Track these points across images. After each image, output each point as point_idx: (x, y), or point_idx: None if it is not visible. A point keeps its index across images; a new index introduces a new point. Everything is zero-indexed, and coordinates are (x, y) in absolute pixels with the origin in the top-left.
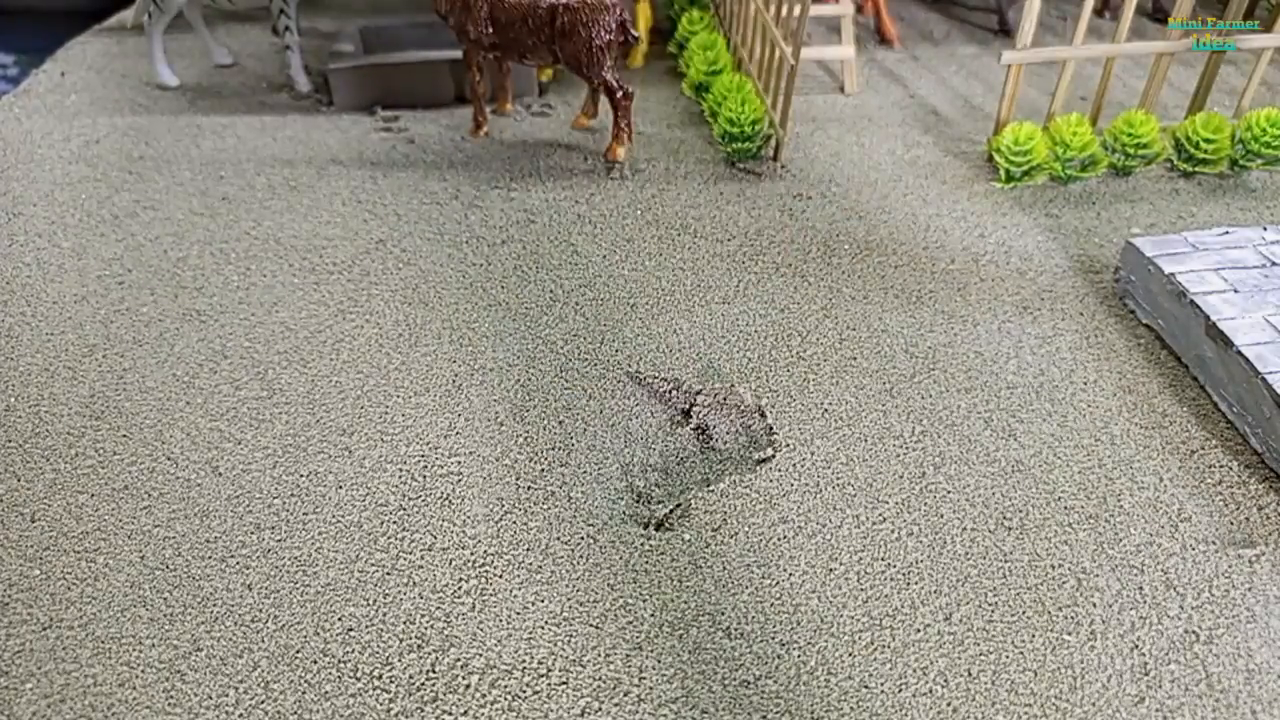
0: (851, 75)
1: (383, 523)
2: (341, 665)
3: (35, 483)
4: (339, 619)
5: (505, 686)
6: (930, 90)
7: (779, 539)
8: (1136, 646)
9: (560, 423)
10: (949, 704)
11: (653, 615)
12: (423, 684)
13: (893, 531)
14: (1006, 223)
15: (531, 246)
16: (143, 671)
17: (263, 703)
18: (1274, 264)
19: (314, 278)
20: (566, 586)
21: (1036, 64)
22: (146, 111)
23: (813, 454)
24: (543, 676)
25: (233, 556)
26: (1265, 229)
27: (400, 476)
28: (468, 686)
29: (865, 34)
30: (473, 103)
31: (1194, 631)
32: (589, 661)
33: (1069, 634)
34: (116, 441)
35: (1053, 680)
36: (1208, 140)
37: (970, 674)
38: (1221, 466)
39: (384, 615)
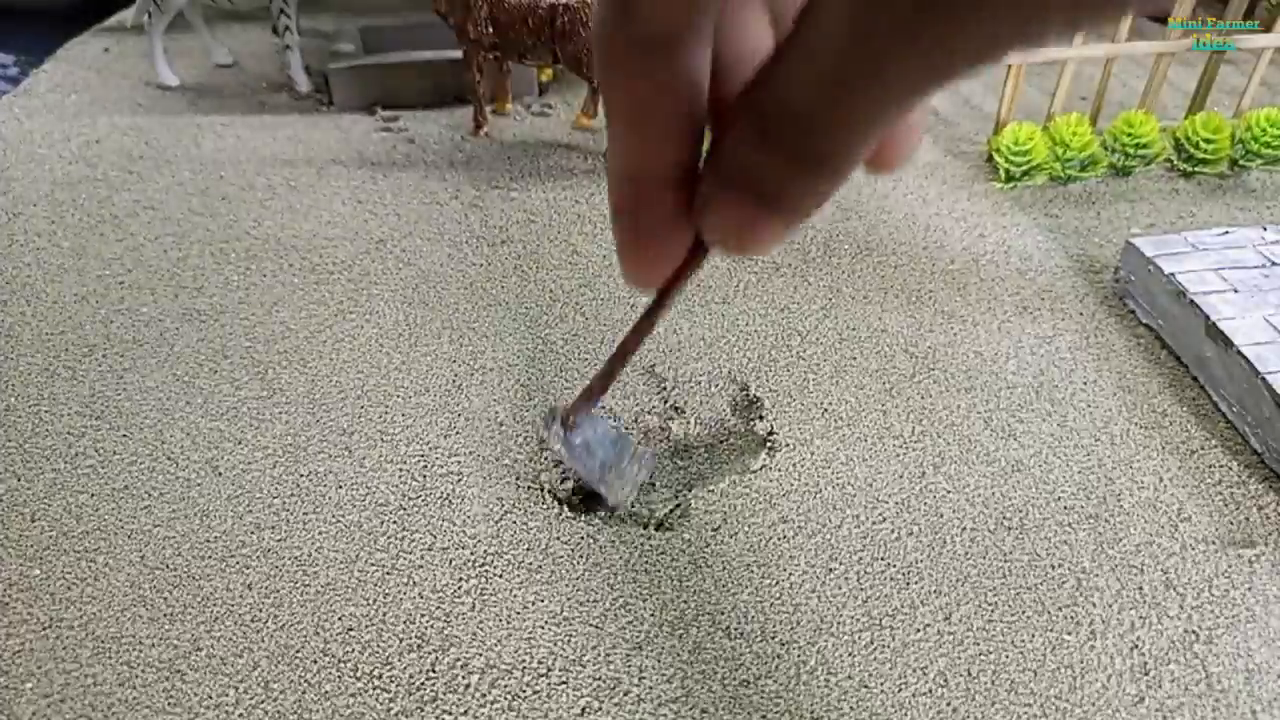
0: None
1: (383, 523)
2: (341, 665)
3: (35, 483)
4: (339, 619)
5: (505, 686)
6: None
7: (779, 539)
8: (1136, 646)
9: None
10: (949, 703)
11: (653, 615)
12: (423, 684)
13: (892, 531)
14: (1006, 223)
15: (531, 246)
16: (143, 671)
17: (263, 702)
18: (1274, 264)
19: (314, 278)
20: (566, 586)
21: (1036, 64)
22: (146, 111)
23: (813, 454)
24: (543, 676)
25: (233, 556)
26: (1265, 229)
27: (400, 476)
28: (468, 686)
29: None
30: (473, 103)
31: (1194, 631)
32: (589, 661)
33: (1069, 634)
34: (116, 441)
35: (1052, 680)
36: (1208, 140)
37: (970, 674)
38: (1221, 466)
39: (384, 615)
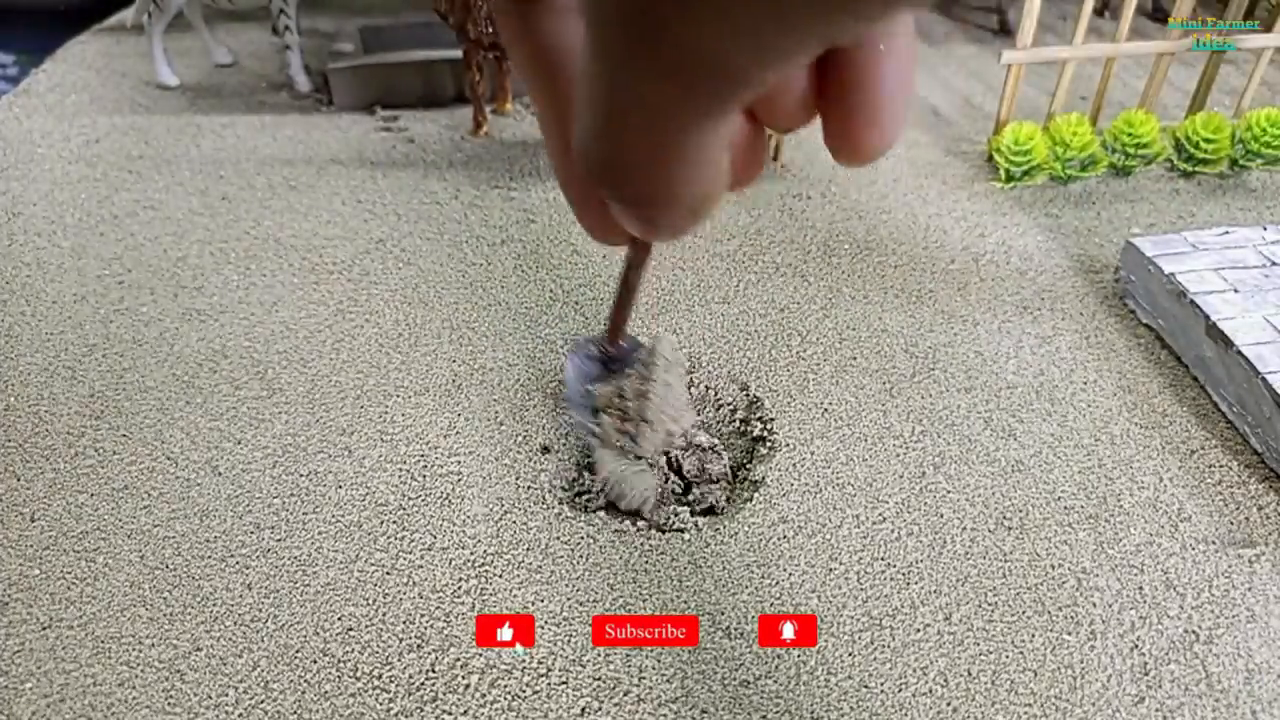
0: None
1: (382, 522)
2: (341, 665)
3: (35, 483)
4: (338, 619)
5: (505, 686)
6: (930, 90)
7: (779, 539)
8: (1136, 646)
9: (559, 423)
10: (949, 704)
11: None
12: (422, 684)
13: (893, 531)
14: (1006, 222)
15: (531, 246)
16: (143, 671)
17: (262, 702)
18: (1274, 264)
19: (314, 277)
20: (566, 586)
21: (1036, 64)
22: (146, 111)
23: (813, 454)
24: (543, 676)
25: (232, 556)
26: (1265, 229)
27: (400, 476)
28: (467, 686)
29: None
30: (473, 102)
31: (1194, 631)
32: (589, 661)
33: (1069, 634)
34: (116, 441)
35: (1053, 680)
36: (1208, 140)
37: (970, 674)
38: (1221, 466)
39: (383, 615)
